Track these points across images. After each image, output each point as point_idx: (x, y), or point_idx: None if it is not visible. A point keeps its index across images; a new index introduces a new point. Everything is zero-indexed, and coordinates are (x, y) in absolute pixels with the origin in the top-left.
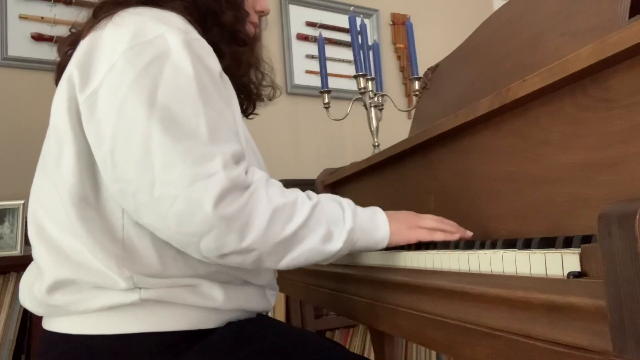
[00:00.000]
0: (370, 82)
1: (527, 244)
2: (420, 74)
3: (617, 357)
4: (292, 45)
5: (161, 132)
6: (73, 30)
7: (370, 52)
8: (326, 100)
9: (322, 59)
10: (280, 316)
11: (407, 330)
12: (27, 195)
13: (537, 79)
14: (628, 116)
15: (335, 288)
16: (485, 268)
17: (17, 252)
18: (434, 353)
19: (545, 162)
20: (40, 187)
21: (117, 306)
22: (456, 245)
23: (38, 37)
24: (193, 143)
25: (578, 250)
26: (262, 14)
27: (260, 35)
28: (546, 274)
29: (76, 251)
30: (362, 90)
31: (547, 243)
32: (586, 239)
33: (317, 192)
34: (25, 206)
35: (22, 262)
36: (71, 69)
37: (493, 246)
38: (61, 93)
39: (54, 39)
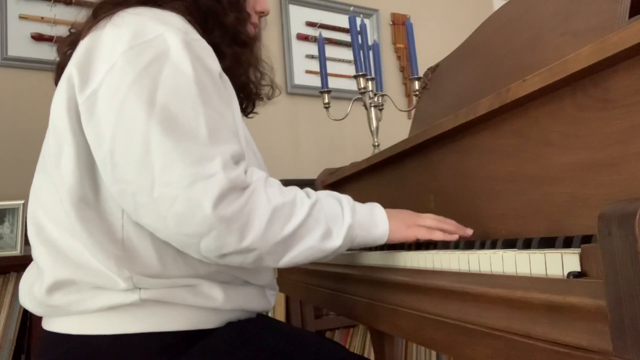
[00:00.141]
0: (370, 82)
1: (527, 244)
2: (420, 74)
3: (617, 357)
4: (292, 45)
5: (161, 133)
6: (72, 30)
7: (370, 52)
8: (326, 100)
9: (322, 59)
10: (280, 316)
11: (407, 330)
12: (27, 195)
13: (537, 79)
14: (628, 116)
15: (335, 288)
16: (485, 268)
17: (17, 252)
18: (434, 353)
19: (545, 162)
20: (40, 187)
21: (117, 306)
22: (456, 245)
23: (38, 37)
24: (192, 144)
25: (578, 250)
26: (262, 14)
27: (260, 35)
28: (546, 274)
29: (76, 251)
30: (362, 90)
31: (547, 243)
32: (586, 239)
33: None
34: (25, 206)
35: (22, 262)
36: (71, 69)
37: (493, 246)
38: (61, 93)
39: (54, 39)
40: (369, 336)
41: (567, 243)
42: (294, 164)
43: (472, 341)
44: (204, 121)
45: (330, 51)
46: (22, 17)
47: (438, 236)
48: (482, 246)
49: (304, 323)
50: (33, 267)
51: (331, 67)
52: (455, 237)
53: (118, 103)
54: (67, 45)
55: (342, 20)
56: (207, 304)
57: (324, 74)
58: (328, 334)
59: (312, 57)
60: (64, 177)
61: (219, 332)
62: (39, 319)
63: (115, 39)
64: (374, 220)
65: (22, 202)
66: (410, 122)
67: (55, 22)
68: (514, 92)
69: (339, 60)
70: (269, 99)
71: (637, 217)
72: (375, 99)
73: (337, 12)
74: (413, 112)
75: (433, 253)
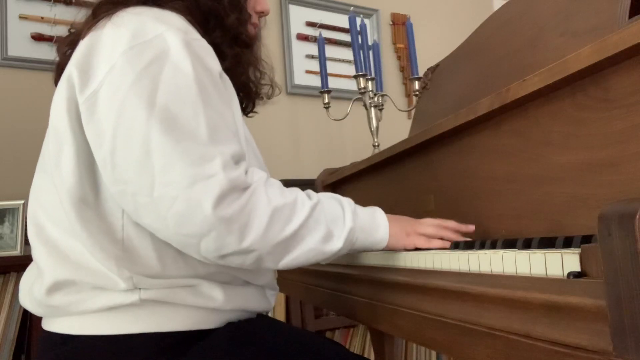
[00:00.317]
0: (370, 82)
1: (527, 244)
2: (420, 74)
3: (617, 357)
4: (292, 45)
5: (161, 133)
6: (72, 30)
7: (370, 52)
8: (326, 100)
9: (322, 59)
10: (280, 316)
11: (407, 330)
12: (27, 195)
13: (537, 79)
14: (628, 116)
15: (335, 288)
16: (485, 268)
17: (17, 252)
18: (434, 353)
19: (545, 162)
20: (40, 187)
21: (117, 307)
22: (456, 245)
23: (38, 37)
24: (193, 144)
25: (578, 250)
26: (262, 14)
27: (260, 35)
28: (546, 274)
29: (76, 252)
30: (362, 90)
31: (547, 243)
32: (586, 239)
33: (317, 192)
34: (25, 206)
35: (22, 262)
36: (70, 69)
37: (493, 246)
38: (60, 93)
39: (54, 39)
40: (369, 336)
41: (567, 243)
42: (294, 164)
43: (472, 341)
44: (204, 121)
45: (330, 51)
46: (22, 17)
47: (437, 245)
48: (482, 246)
49: (304, 323)
50: (33, 268)
51: (331, 67)
52: (456, 238)
53: (118, 103)
54: (67, 45)
55: (342, 20)
56: (207, 304)
57: (324, 74)
58: (328, 334)
59: (312, 57)
60: (63, 177)
61: (219, 333)
62: (39, 319)
63: (115, 38)
64: (375, 224)
65: (22, 202)
66: (410, 122)
67: (55, 22)
68: (514, 92)
69: (339, 60)
70: (268, 98)
71: (637, 217)
72: (375, 99)
73: (337, 12)
74: (413, 112)
75: (433, 253)
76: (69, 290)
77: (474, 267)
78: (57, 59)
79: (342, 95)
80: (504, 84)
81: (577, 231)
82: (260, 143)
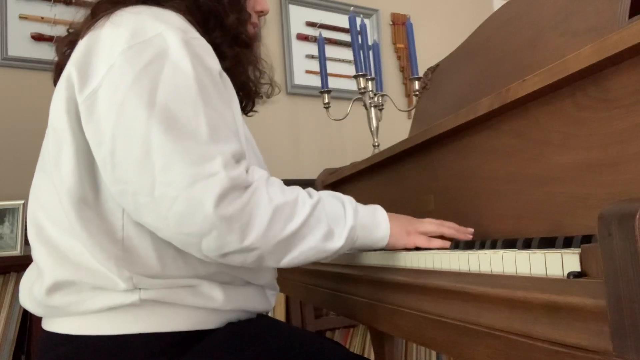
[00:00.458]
0: (370, 82)
1: (527, 244)
2: (420, 74)
3: (617, 357)
4: (292, 45)
5: (161, 133)
6: (71, 30)
7: (370, 52)
8: (326, 100)
9: (322, 59)
10: (280, 316)
11: (407, 330)
12: (27, 195)
13: (537, 79)
14: (628, 116)
15: (335, 288)
16: (485, 268)
17: (17, 252)
18: (434, 353)
19: (545, 162)
20: (40, 187)
21: (117, 307)
22: (456, 245)
23: (38, 37)
24: (193, 143)
25: (578, 250)
26: (262, 14)
27: (259, 35)
28: (546, 274)
29: (76, 252)
30: (362, 90)
31: (547, 243)
32: (586, 239)
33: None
34: (25, 206)
35: (22, 262)
36: (70, 69)
37: (493, 246)
38: (60, 93)
39: (54, 39)
40: (369, 336)
41: (567, 243)
42: (294, 164)
43: (472, 341)
44: (204, 120)
45: (330, 51)
46: (22, 17)
47: (437, 244)
48: (482, 246)
49: (304, 323)
50: (33, 268)
51: (331, 67)
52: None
53: (118, 103)
54: (66, 45)
55: (342, 20)
56: (207, 304)
57: (324, 74)
58: (328, 334)
59: (312, 57)
60: (63, 178)
61: (219, 333)
62: (39, 319)
63: (114, 38)
64: (376, 222)
65: (22, 202)
66: (410, 122)
67: (55, 22)
68: (514, 92)
69: (339, 60)
70: (268, 97)
71: (637, 217)
72: (375, 99)
73: (337, 12)
74: (413, 112)
75: (433, 253)
76: (69, 290)
77: (474, 267)
78: (56, 58)
79: (342, 95)
80: (504, 84)
81: (577, 231)
82: (260, 143)
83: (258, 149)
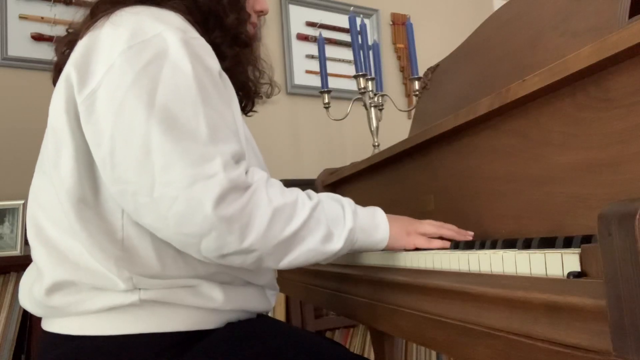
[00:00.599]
0: (370, 82)
1: (527, 244)
2: (420, 74)
3: (617, 357)
4: (292, 45)
5: (161, 133)
6: (70, 30)
7: (370, 52)
8: (326, 100)
9: (322, 59)
10: (280, 316)
11: (407, 330)
12: (27, 195)
13: (537, 79)
14: (628, 116)
15: (335, 288)
16: (485, 268)
17: (17, 252)
18: (434, 353)
19: (545, 162)
20: (39, 188)
21: (117, 307)
22: (456, 245)
23: (38, 37)
24: (193, 143)
25: (578, 250)
26: (261, 13)
27: (259, 34)
28: (546, 274)
29: (75, 252)
30: (362, 90)
31: (547, 243)
32: (586, 239)
33: (317, 192)
34: (25, 206)
35: (22, 262)
36: (69, 69)
37: (493, 246)
38: (59, 93)
39: (54, 39)
40: (369, 336)
41: (567, 243)
42: (294, 164)
43: (472, 341)
44: (204, 120)
45: (330, 51)
46: (22, 17)
47: (437, 245)
48: (482, 246)
49: (304, 323)
50: (33, 268)
51: (331, 67)
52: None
53: (117, 103)
54: (65, 45)
55: (342, 20)
56: (207, 304)
57: (324, 74)
58: (328, 334)
59: (312, 57)
60: (62, 178)
61: (219, 333)
62: (39, 319)
63: (114, 38)
64: (375, 224)
65: (22, 202)
66: (410, 122)
67: (55, 22)
68: (514, 92)
69: (339, 60)
70: (268, 97)
71: (637, 217)
72: (375, 99)
73: (337, 12)
74: (413, 112)
75: (433, 253)
76: (69, 290)
77: (474, 267)
78: (55, 58)
79: (342, 95)
80: (504, 84)
81: (577, 231)
82: (260, 143)
83: (258, 149)
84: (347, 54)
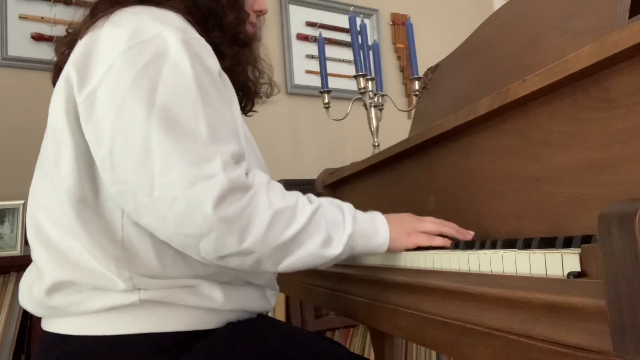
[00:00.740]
0: (370, 82)
1: (527, 244)
2: (420, 74)
3: (617, 357)
4: (292, 45)
5: (161, 133)
6: (70, 30)
7: (370, 52)
8: (326, 100)
9: (322, 59)
10: (280, 316)
11: (407, 330)
12: (27, 195)
13: (537, 79)
14: (628, 116)
15: (335, 288)
16: (485, 268)
17: (17, 252)
18: (434, 353)
19: (545, 162)
20: (39, 188)
21: (117, 307)
22: (456, 245)
23: (38, 37)
24: (193, 143)
25: (578, 250)
26: (260, 13)
27: (258, 34)
28: (546, 274)
29: (75, 252)
30: (362, 90)
31: (547, 243)
32: (586, 239)
33: (317, 192)
34: (25, 206)
35: (22, 262)
36: (69, 69)
37: (493, 246)
38: (59, 94)
39: (54, 39)
40: (369, 336)
41: (567, 243)
42: (294, 164)
43: (472, 341)
44: (204, 120)
45: (330, 51)
46: (22, 17)
47: (438, 242)
48: (482, 246)
49: (304, 323)
50: (33, 268)
51: (331, 67)
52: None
53: (117, 103)
54: (65, 45)
55: (342, 20)
56: (206, 304)
57: (324, 74)
58: (328, 334)
59: (312, 57)
60: (62, 178)
61: (219, 333)
62: (39, 319)
63: (114, 38)
64: (375, 229)
65: (22, 202)
66: (410, 122)
67: (55, 22)
68: (514, 92)
69: (339, 60)
70: (267, 97)
71: (637, 217)
72: (375, 99)
73: (337, 12)
74: (413, 112)
75: (433, 253)
76: (69, 290)
77: (474, 267)
78: (55, 58)
79: (342, 95)
80: (504, 84)
81: (577, 231)
82: (260, 143)
83: (258, 149)
84: (347, 54)
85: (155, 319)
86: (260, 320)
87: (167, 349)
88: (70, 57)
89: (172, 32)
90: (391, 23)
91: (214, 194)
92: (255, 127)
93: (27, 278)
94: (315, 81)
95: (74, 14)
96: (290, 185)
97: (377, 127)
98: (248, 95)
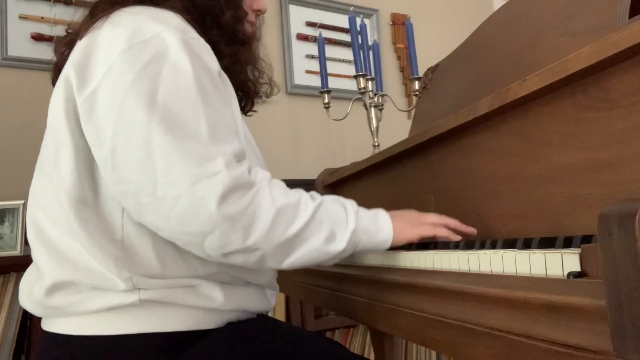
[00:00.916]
0: (370, 82)
1: (527, 244)
2: (420, 74)
3: (617, 357)
4: (292, 45)
5: (162, 133)
6: (69, 30)
7: (370, 52)
8: (326, 100)
9: (322, 59)
10: (280, 316)
11: (407, 330)
12: (27, 195)
13: (537, 79)
14: (628, 116)
15: (335, 288)
16: (485, 268)
17: (17, 252)
18: (434, 353)
19: (545, 162)
20: (39, 188)
21: (117, 307)
22: (456, 245)
23: (38, 37)
24: (194, 143)
25: (578, 250)
26: (259, 12)
27: (258, 34)
28: (546, 274)
29: (75, 252)
30: (362, 90)
31: (547, 243)
32: (586, 239)
33: (317, 192)
34: (25, 206)
35: (22, 262)
36: (68, 69)
37: (493, 246)
38: (58, 94)
39: (54, 39)
40: (369, 336)
41: (567, 243)
42: (294, 164)
43: (472, 341)
44: (204, 120)
45: (330, 51)
46: (22, 17)
47: (442, 232)
48: (482, 246)
49: (304, 323)
50: (33, 268)
51: (331, 67)
52: (458, 237)
53: (118, 103)
54: (64, 45)
55: (342, 20)
56: (206, 304)
57: (324, 74)
58: (328, 334)
59: (312, 57)
60: (62, 178)
61: (219, 333)
62: (39, 319)
63: (113, 38)
64: (378, 226)
65: (22, 202)
66: (410, 122)
67: (55, 22)
68: (514, 92)
69: (339, 60)
70: (267, 97)
71: (637, 217)
72: (375, 99)
73: (337, 12)
74: (413, 112)
75: (433, 253)
76: (69, 290)
77: (474, 267)
78: (55, 59)
79: (342, 95)
80: (504, 84)
81: (577, 231)
82: (260, 143)
83: (258, 149)
84: (347, 54)
85: (155, 319)
86: (260, 320)
87: (167, 349)
88: (69, 58)
89: (171, 32)
90: (391, 23)
91: (217, 191)
92: (255, 127)
93: (27, 278)
94: (315, 81)
95: (74, 14)
96: (290, 185)
97: (377, 127)
98: (248, 95)
